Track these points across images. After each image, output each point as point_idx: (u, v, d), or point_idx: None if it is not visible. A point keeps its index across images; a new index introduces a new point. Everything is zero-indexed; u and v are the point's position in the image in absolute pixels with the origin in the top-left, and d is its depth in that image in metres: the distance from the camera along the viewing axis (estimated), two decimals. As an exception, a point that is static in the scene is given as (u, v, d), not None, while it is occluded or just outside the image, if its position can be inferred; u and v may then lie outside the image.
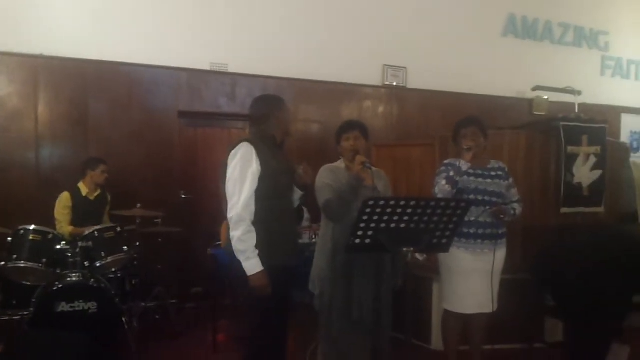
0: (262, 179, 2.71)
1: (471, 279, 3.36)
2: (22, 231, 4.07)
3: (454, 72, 6.99)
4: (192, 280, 5.51)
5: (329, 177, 3.00)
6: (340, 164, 3.15)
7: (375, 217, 2.40)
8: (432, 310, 4.32)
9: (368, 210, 2.37)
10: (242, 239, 2.63)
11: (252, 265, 2.64)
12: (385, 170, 5.21)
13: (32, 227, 4.11)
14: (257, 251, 2.64)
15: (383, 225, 2.43)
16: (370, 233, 2.45)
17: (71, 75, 5.33)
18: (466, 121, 3.50)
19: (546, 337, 4.43)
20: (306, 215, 5.05)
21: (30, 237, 4.06)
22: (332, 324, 2.95)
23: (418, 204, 2.41)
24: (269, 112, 2.90)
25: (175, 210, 5.46)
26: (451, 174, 3.28)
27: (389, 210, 2.39)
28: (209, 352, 4.27)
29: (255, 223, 2.67)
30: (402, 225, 2.44)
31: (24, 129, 5.18)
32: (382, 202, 2.36)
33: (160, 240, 4.99)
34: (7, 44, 5.08)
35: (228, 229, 2.74)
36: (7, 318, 4.30)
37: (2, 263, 4.01)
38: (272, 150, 2.83)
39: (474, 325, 3.55)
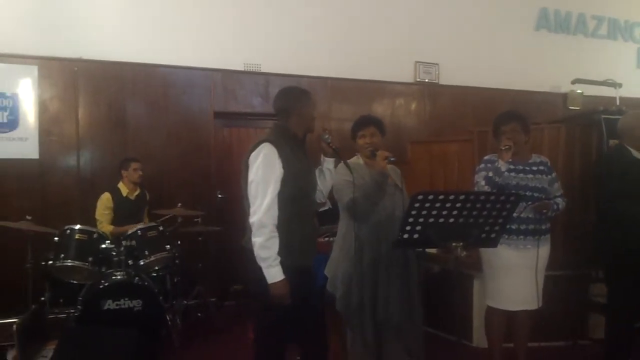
0: (284, 180, 2.61)
1: (515, 275, 3.32)
2: (68, 231, 4.16)
3: (487, 67, 6.95)
4: (232, 278, 5.56)
5: (349, 174, 2.88)
6: (358, 159, 3.09)
7: (424, 212, 2.39)
8: (473, 308, 4.28)
9: (417, 204, 2.36)
10: (265, 246, 2.54)
11: (273, 273, 2.54)
12: (422, 166, 5.28)
13: (78, 226, 4.20)
14: (279, 258, 2.55)
15: (432, 219, 2.42)
16: (418, 228, 2.44)
17: (109, 77, 5.44)
18: (506, 117, 3.43)
19: (590, 333, 4.36)
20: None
21: (77, 237, 4.15)
22: (362, 323, 2.91)
23: (467, 198, 2.39)
24: (291, 107, 2.76)
25: (213, 209, 5.52)
26: (490, 174, 3.23)
27: (437, 204, 2.37)
28: (251, 349, 4.29)
29: (277, 225, 2.59)
30: (451, 220, 2.43)
31: (66, 132, 5.30)
32: (431, 196, 2.35)
33: (200, 238, 5.05)
34: (48, 48, 5.20)
35: None
36: (53, 316, 4.42)
37: (50, 262, 4.10)
38: (293, 148, 2.71)
39: (518, 321, 3.51)
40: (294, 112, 2.75)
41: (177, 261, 4.68)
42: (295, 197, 2.64)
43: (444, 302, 4.05)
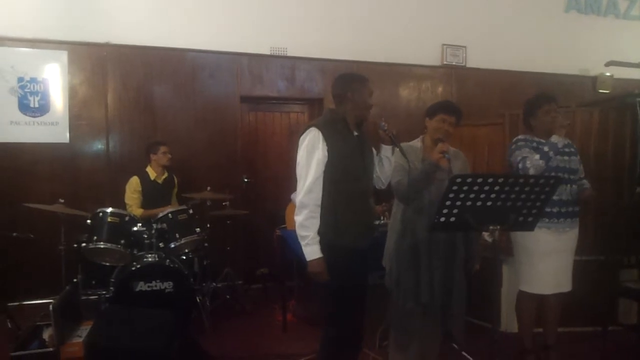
0: (329, 163, 2.68)
1: (551, 259, 3.30)
2: (100, 213, 4.21)
3: (515, 50, 6.86)
4: (258, 262, 5.61)
5: (402, 157, 2.88)
6: (417, 142, 3.07)
7: (462, 195, 2.36)
8: (502, 292, 4.26)
9: (455, 187, 2.33)
10: (304, 225, 2.65)
11: (311, 251, 2.65)
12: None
13: (110, 209, 4.24)
14: (317, 237, 2.66)
15: (469, 203, 2.39)
16: (455, 211, 2.42)
17: (137, 62, 5.48)
18: (548, 97, 3.40)
19: (620, 319, 4.32)
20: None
21: (109, 219, 4.19)
22: (402, 304, 2.93)
23: (506, 181, 2.36)
24: (345, 93, 2.81)
25: (239, 193, 5.56)
26: (545, 149, 3.18)
27: (475, 187, 2.35)
28: (279, 331, 4.35)
29: (323, 207, 2.68)
30: (489, 203, 2.40)
31: (95, 116, 5.36)
32: (469, 179, 2.33)
33: (228, 222, 5.10)
34: (77, 33, 5.26)
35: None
36: (85, 297, 4.50)
37: (83, 244, 4.16)
38: (342, 133, 2.75)
39: (550, 305, 3.49)
40: (346, 98, 2.80)
41: (206, 244, 4.74)
42: (342, 180, 2.71)
43: (472, 286, 4.05)
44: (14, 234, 4.28)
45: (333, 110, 2.86)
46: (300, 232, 2.66)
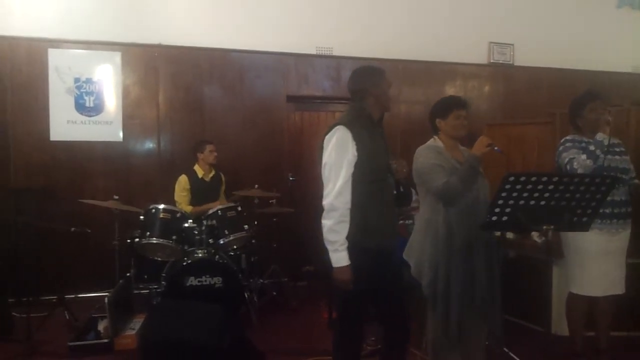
0: (358, 163, 2.58)
1: (604, 260, 3.23)
2: (153, 210, 4.34)
3: (565, 47, 6.71)
4: (304, 259, 5.67)
5: (436, 158, 2.81)
6: (436, 142, 2.95)
7: (515, 194, 2.35)
8: (553, 294, 4.18)
9: (508, 186, 2.32)
10: (334, 229, 2.52)
11: (339, 257, 2.53)
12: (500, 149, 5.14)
13: (162, 206, 4.37)
14: (346, 243, 2.53)
15: (522, 202, 2.38)
16: (507, 210, 2.40)
17: (187, 63, 5.62)
18: (593, 94, 3.33)
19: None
20: (415, 196, 5.03)
21: (161, 216, 4.32)
22: (447, 311, 2.81)
23: (561, 180, 2.34)
24: (366, 87, 2.70)
25: (285, 191, 5.63)
26: (592, 148, 3.12)
27: (529, 186, 2.33)
28: (325, 329, 4.39)
29: (351, 207, 2.56)
30: (542, 203, 2.38)
31: (147, 116, 5.53)
32: (522, 178, 2.31)
33: (274, 220, 5.17)
34: (130, 35, 5.43)
35: None
36: (137, 291, 4.66)
37: (136, 239, 4.30)
38: (368, 130, 2.66)
39: (601, 308, 3.41)
40: (368, 92, 2.71)
41: (253, 241, 4.81)
42: (371, 179, 2.62)
43: (519, 288, 4.00)
44: (72, 229, 4.45)
45: (356, 106, 2.73)
46: (329, 237, 2.53)
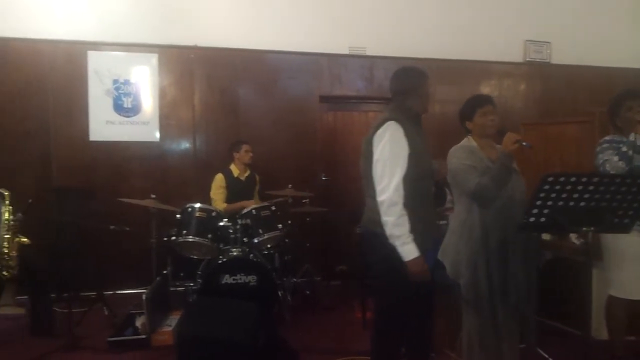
0: (409, 160, 2.59)
1: (642, 263, 3.15)
2: (189, 209, 4.41)
3: (603, 44, 6.57)
4: (337, 259, 5.68)
5: (469, 159, 2.79)
6: (470, 142, 2.92)
7: (553, 194, 2.30)
8: (592, 297, 4.08)
9: (546, 186, 2.28)
10: (398, 223, 2.54)
11: (409, 250, 2.55)
12: (537, 149, 5.07)
13: (198, 205, 4.42)
14: (412, 235, 2.55)
15: (561, 202, 2.33)
16: (546, 211, 2.36)
17: (222, 64, 5.70)
18: (631, 93, 3.23)
19: None
20: (449, 197, 5.00)
21: (197, 214, 4.37)
22: (494, 310, 2.81)
23: (601, 181, 2.29)
24: (413, 87, 2.73)
25: (318, 191, 5.66)
26: (624, 149, 3.04)
27: (568, 186, 2.28)
28: (359, 328, 4.39)
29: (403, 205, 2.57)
30: (582, 204, 2.33)
31: (183, 116, 5.63)
32: (562, 178, 2.26)
33: (308, 219, 5.20)
34: (166, 37, 5.53)
35: None
36: (173, 289, 4.75)
37: (173, 238, 4.38)
38: (415, 128, 2.69)
39: (642, 312, 3.34)
40: (414, 92, 2.73)
41: (286, 240, 4.85)
42: (418, 177, 2.63)
43: (557, 290, 3.92)
44: (112, 227, 4.55)
45: (403, 105, 2.75)
46: (394, 231, 2.55)
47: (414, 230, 2.57)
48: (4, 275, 4.02)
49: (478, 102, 2.92)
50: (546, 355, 3.60)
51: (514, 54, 6.49)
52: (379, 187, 2.59)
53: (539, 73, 6.53)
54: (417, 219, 2.61)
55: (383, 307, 2.85)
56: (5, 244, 4.07)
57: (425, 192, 2.72)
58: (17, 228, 4.16)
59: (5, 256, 4.04)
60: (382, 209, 2.56)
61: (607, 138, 3.31)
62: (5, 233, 4.10)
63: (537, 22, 6.48)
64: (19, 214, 4.17)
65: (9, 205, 4.15)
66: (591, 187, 2.30)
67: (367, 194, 2.74)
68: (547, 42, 6.51)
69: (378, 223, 2.60)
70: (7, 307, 4.55)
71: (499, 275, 2.77)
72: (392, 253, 2.58)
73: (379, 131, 2.62)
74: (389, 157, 2.57)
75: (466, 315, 2.91)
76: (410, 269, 2.56)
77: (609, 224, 2.42)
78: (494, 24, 6.35)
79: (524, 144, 2.64)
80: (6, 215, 4.13)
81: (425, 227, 2.68)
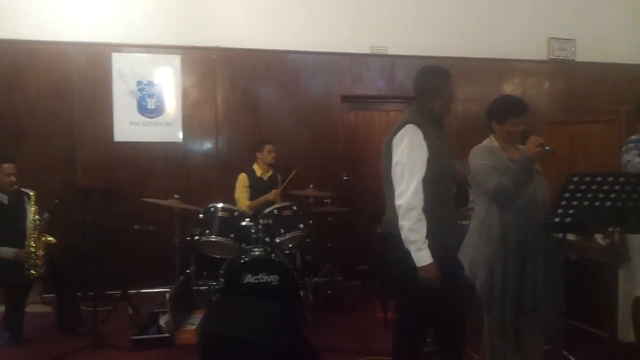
0: (428, 162, 2.55)
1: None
2: (212, 208, 4.45)
3: (629, 42, 6.47)
4: (358, 258, 5.68)
5: (489, 158, 2.74)
6: (492, 142, 2.87)
7: (579, 194, 2.28)
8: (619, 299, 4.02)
9: (571, 186, 2.26)
10: (414, 229, 2.50)
11: (423, 256, 2.51)
12: (561, 148, 5.01)
13: (221, 205, 4.46)
14: (427, 242, 2.51)
15: (586, 203, 2.30)
16: (571, 211, 2.33)
17: (244, 64, 5.74)
18: None
19: None
20: (471, 197, 4.95)
21: (220, 214, 4.42)
22: (502, 312, 2.75)
23: (627, 181, 2.25)
24: (435, 87, 2.67)
25: (340, 191, 5.66)
26: None
27: (594, 187, 2.26)
28: (380, 328, 4.38)
29: (422, 208, 2.54)
30: (608, 204, 2.30)
31: (205, 117, 5.68)
32: (587, 178, 2.24)
33: (329, 219, 5.21)
34: (189, 38, 5.58)
35: None
36: (196, 288, 4.80)
37: (196, 237, 4.42)
38: (436, 130, 2.65)
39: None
40: (436, 92, 2.68)
41: (308, 240, 4.86)
42: (438, 179, 2.60)
43: (582, 291, 3.86)
44: (136, 227, 4.62)
45: (424, 105, 2.70)
46: (409, 236, 2.51)
47: (433, 231, 2.55)
48: (31, 273, 4.10)
49: (514, 112, 2.80)
50: (572, 358, 3.54)
51: (537, 51, 6.42)
52: (397, 191, 2.57)
53: (563, 71, 6.45)
54: (438, 219, 2.58)
55: (403, 307, 2.84)
56: (33, 243, 4.17)
57: (446, 193, 2.69)
58: (43, 228, 4.25)
59: (33, 255, 4.13)
60: (400, 213, 2.54)
61: (633, 137, 3.26)
62: (32, 232, 4.19)
63: (561, 19, 6.39)
64: (46, 214, 4.26)
65: (35, 205, 4.25)
66: (617, 187, 2.27)
67: (387, 195, 2.73)
68: (572, 40, 6.42)
69: (397, 224, 2.58)
70: (35, 305, 4.64)
71: (516, 275, 2.72)
72: (408, 256, 2.56)
73: (398, 134, 2.60)
74: (407, 160, 2.54)
75: (485, 316, 2.88)
76: (422, 274, 2.53)
77: (636, 225, 2.38)
78: (517, 22, 6.28)
79: (547, 148, 2.58)
80: (33, 214, 4.22)
81: (447, 228, 2.67)
